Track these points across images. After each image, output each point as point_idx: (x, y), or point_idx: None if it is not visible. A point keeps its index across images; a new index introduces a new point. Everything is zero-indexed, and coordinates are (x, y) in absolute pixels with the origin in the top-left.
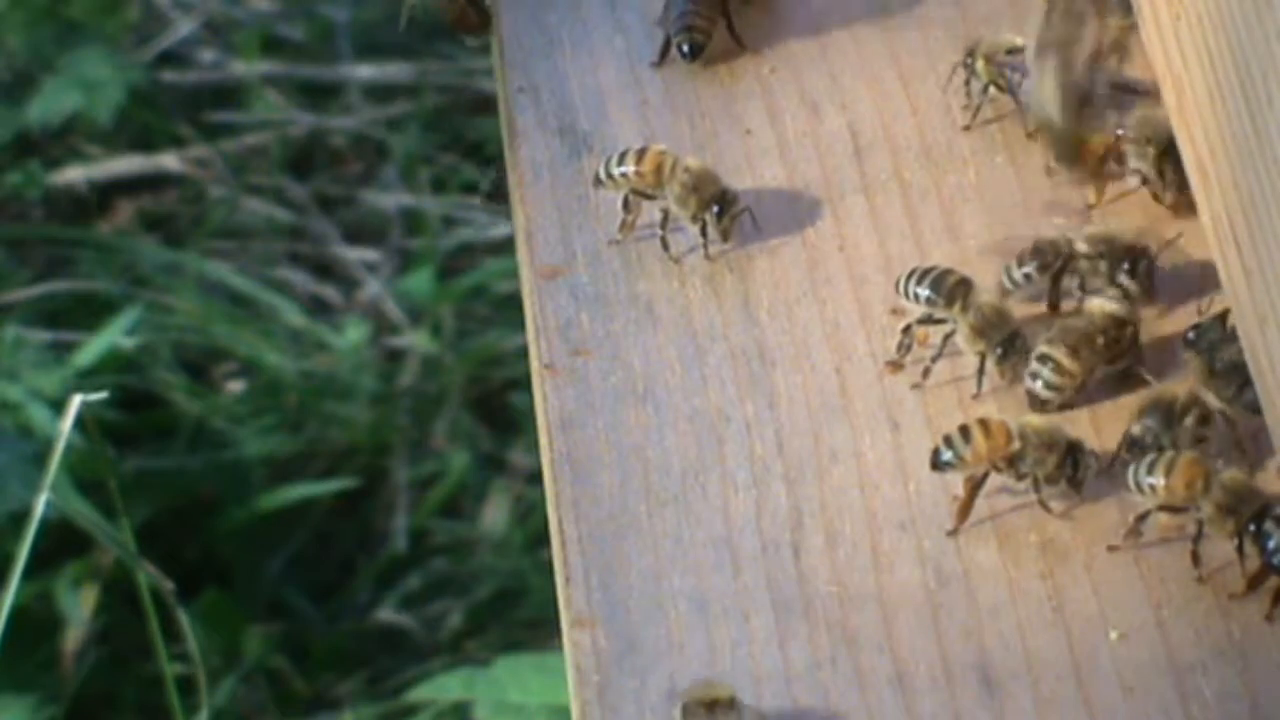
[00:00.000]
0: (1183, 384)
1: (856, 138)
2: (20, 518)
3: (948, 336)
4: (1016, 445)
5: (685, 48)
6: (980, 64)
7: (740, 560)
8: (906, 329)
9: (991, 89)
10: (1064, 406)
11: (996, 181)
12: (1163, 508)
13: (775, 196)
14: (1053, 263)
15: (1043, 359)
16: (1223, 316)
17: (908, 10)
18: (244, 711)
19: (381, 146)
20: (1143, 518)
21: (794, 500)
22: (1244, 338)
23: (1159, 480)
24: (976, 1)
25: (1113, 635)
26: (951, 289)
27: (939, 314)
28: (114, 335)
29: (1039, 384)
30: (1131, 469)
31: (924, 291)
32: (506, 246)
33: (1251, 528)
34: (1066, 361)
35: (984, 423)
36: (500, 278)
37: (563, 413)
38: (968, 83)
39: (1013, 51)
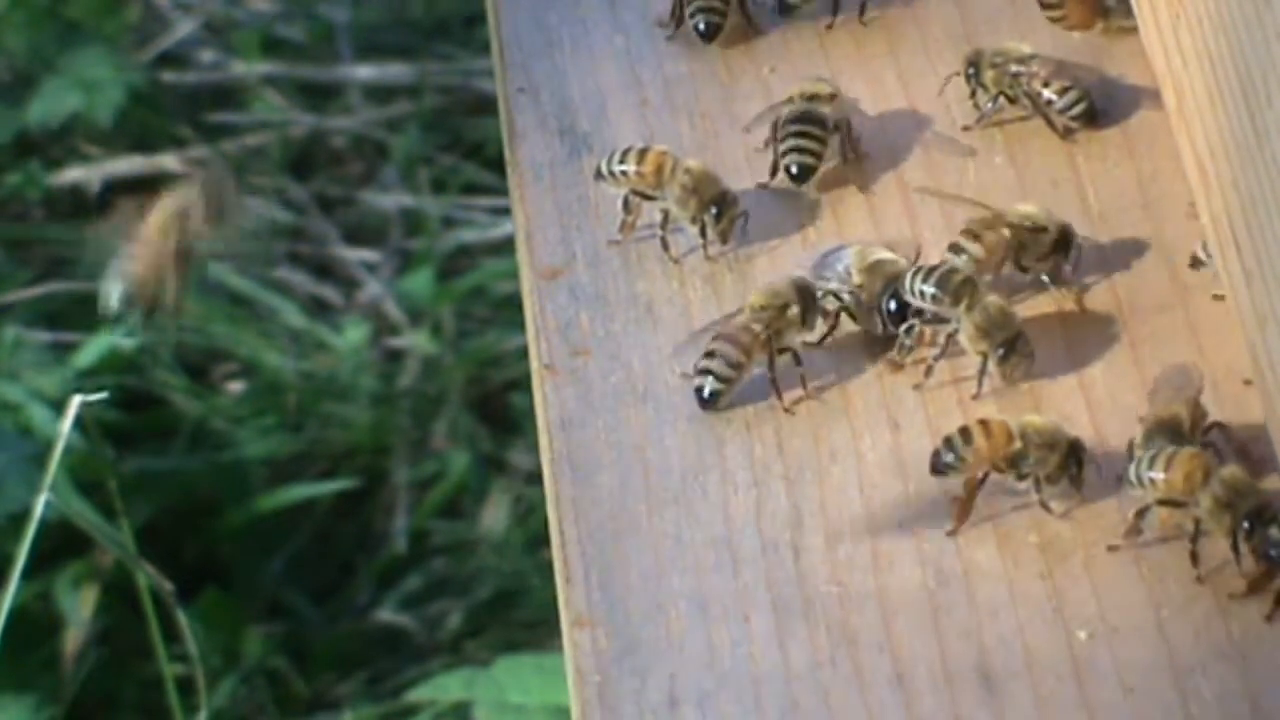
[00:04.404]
0: (1178, 405)
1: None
2: (20, 518)
3: (950, 336)
4: (1018, 445)
5: (701, 26)
6: (989, 75)
7: (740, 560)
8: (908, 329)
9: (1001, 99)
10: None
11: (996, 181)
12: (1162, 502)
13: (775, 196)
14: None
15: (952, 247)
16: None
17: (908, 10)
18: (244, 711)
19: (381, 147)
20: (1142, 513)
21: (794, 500)
22: (1244, 338)
23: (1159, 474)
24: (976, 1)
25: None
26: (958, 288)
27: (944, 313)
28: (114, 335)
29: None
30: (1133, 463)
31: (930, 289)
32: (506, 246)
33: (1246, 525)
34: (967, 244)
35: (984, 423)
36: (500, 278)
37: (563, 413)
38: (974, 94)
39: (1023, 60)
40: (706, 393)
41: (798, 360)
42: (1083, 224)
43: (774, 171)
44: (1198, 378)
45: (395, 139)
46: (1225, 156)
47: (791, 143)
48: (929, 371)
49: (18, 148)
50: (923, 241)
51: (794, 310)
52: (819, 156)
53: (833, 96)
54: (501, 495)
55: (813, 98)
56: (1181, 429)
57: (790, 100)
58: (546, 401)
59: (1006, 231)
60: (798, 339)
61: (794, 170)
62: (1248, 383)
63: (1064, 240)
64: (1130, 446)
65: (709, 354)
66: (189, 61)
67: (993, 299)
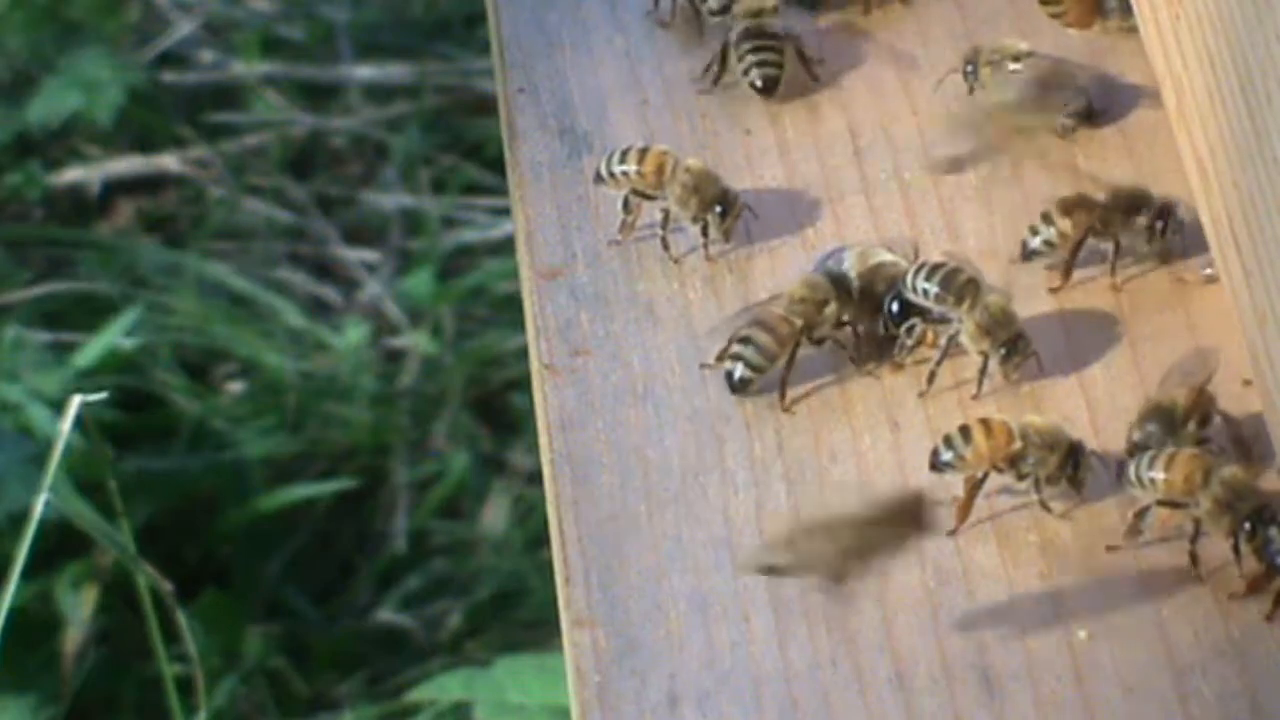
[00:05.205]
0: (1180, 390)
1: (856, 138)
2: (20, 518)
3: (952, 338)
4: (1018, 445)
5: (759, 83)
6: (985, 72)
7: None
8: (909, 329)
9: None
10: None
11: (996, 181)
12: (1162, 502)
13: (775, 196)
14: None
15: (1044, 217)
16: None
17: (908, 10)
18: (244, 711)
19: (381, 147)
20: (1142, 514)
21: (794, 500)
22: (1244, 337)
23: (1159, 474)
24: (976, 1)
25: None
26: (961, 287)
27: (946, 311)
28: (114, 336)
29: (1036, 239)
30: (1133, 463)
31: (933, 288)
32: (506, 246)
33: (1246, 526)
34: (1058, 217)
35: (985, 422)
36: (500, 278)
37: (563, 413)
38: (971, 91)
39: (1019, 57)
40: (737, 378)
41: (840, 344)
42: None
43: (716, 80)
44: (1211, 363)
45: (395, 139)
46: (1225, 156)
47: (752, 58)
48: (932, 378)
49: (18, 148)
50: (922, 241)
51: (831, 307)
52: (780, 66)
53: (775, 9)
54: (501, 495)
55: (759, 13)
56: (1174, 415)
57: (735, 18)
58: (546, 401)
59: (1098, 209)
60: (831, 331)
61: (760, 84)
62: (1247, 383)
63: (1167, 213)
64: (1130, 432)
65: (744, 340)
66: (189, 61)
67: (994, 298)
